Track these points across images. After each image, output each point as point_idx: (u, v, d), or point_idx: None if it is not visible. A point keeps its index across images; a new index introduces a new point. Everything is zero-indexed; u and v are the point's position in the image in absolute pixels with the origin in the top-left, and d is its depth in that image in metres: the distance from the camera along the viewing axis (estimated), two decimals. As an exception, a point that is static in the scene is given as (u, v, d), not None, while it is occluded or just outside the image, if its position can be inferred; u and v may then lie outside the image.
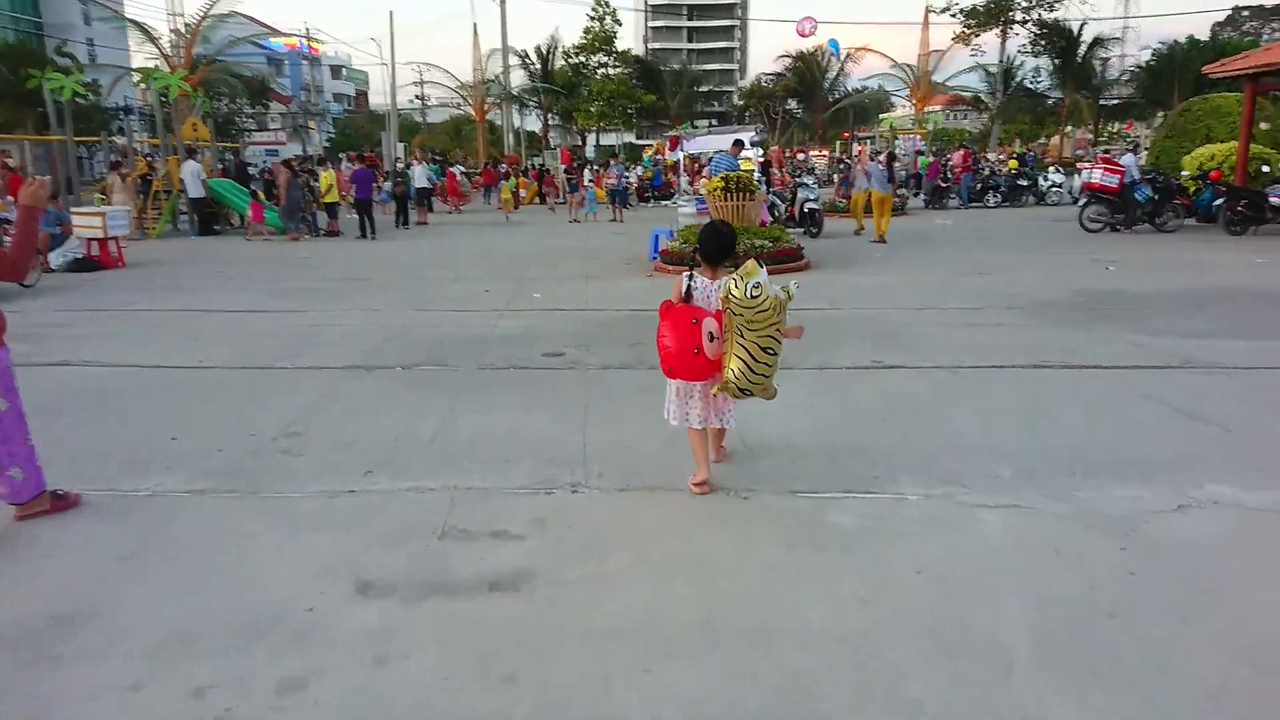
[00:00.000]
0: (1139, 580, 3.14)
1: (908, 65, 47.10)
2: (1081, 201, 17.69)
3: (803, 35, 35.04)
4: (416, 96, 70.37)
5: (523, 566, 3.32)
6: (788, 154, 38.37)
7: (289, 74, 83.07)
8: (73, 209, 13.63)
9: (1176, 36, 50.03)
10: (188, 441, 4.93)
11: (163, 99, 19.67)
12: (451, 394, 5.91)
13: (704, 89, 62.08)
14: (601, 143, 58.40)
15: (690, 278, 3.95)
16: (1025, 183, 26.03)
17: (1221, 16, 65.64)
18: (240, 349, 7.44)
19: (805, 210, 17.14)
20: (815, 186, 18.25)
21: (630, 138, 66.15)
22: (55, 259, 12.84)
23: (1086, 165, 27.74)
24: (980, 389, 5.89)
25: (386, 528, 3.70)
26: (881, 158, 17.47)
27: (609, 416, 5.34)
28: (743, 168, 14.10)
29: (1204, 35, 52.05)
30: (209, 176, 19.55)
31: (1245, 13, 67.42)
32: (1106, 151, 42.80)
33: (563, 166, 32.45)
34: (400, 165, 28.81)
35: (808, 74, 50.43)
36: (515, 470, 4.38)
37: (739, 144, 13.79)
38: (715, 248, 3.99)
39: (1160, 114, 55.68)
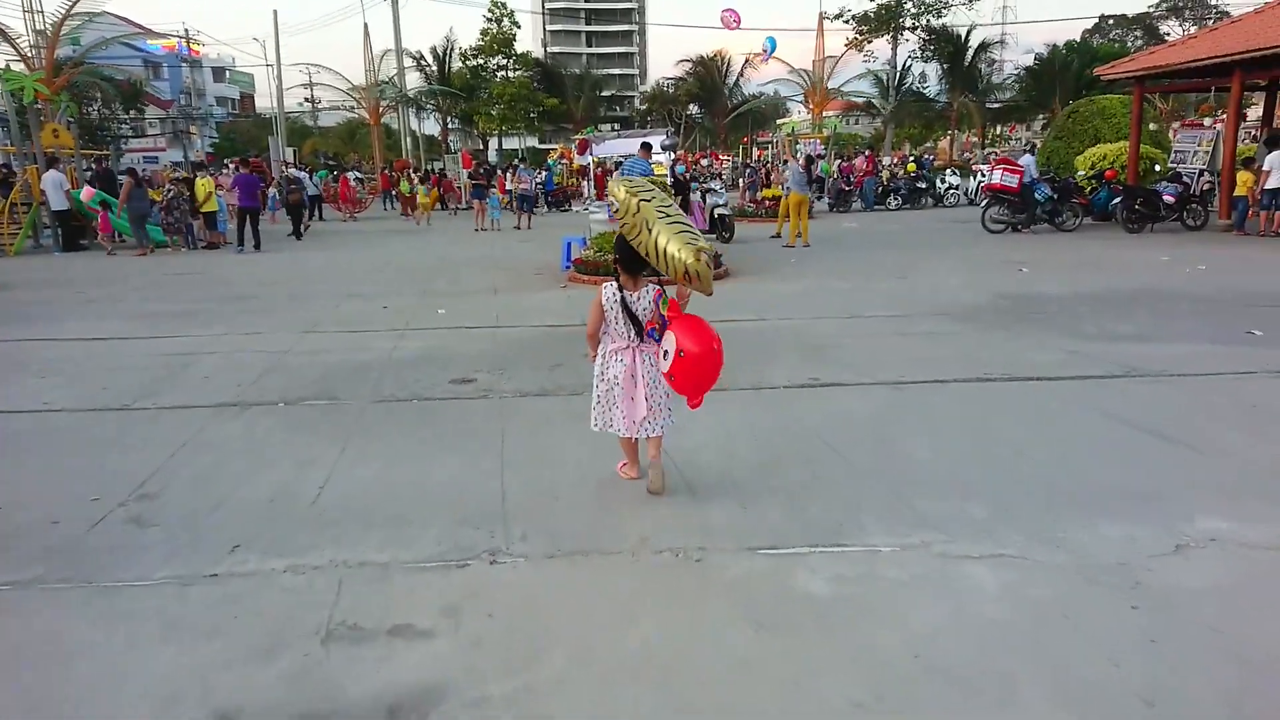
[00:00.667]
0: (1164, 652, 2.69)
1: (804, 70, 47.84)
2: (983, 202, 17.94)
3: (729, 28, 34.93)
4: (306, 99, 67.54)
5: (431, 679, 2.62)
6: (693, 159, 38.27)
7: (168, 77, 78.57)
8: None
9: (1053, 43, 52.49)
10: (16, 513, 4.02)
11: (21, 103, 17.81)
12: (342, 436, 5.11)
13: (606, 93, 61.76)
14: (504, 146, 57.23)
15: (619, 289, 3.88)
16: (924, 185, 26.52)
17: (1090, 24, 69.75)
18: (95, 387, 6.40)
19: (716, 216, 16.78)
20: (723, 191, 17.94)
21: (533, 142, 65.18)
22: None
23: (981, 167, 28.77)
24: (926, 407, 5.48)
25: (255, 630, 2.93)
26: (800, 161, 17.29)
27: (530, 456, 4.67)
28: (655, 172, 13.61)
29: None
30: (73, 187, 17.79)
31: (1110, 21, 71.84)
32: (992, 154, 44.55)
33: (465, 171, 31.37)
34: (289, 171, 27.23)
35: (708, 79, 50.70)
36: (420, 537, 3.66)
37: (647, 147, 13.28)
38: (636, 260, 3.78)
39: (1041, 116, 58.60)
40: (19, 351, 7.77)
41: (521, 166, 21.65)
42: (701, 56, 49.83)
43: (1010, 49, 55.63)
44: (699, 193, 16.91)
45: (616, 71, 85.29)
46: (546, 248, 16.13)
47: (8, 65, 21.43)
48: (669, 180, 13.52)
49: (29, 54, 27.08)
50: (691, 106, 54.12)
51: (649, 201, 3.70)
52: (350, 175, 35.00)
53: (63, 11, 26.84)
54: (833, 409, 5.47)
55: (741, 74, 49.35)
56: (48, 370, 6.96)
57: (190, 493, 4.24)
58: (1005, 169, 17.50)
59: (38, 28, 27.36)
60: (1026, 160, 17.87)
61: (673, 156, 13.87)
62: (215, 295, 10.99)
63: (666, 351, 3.73)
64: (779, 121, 60.08)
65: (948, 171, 28.61)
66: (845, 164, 29.98)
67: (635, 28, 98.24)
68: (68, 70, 28.51)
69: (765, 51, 45.36)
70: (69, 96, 23.79)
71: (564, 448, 4.76)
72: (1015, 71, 53.66)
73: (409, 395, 6.04)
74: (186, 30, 68.83)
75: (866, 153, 39.42)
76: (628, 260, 3.81)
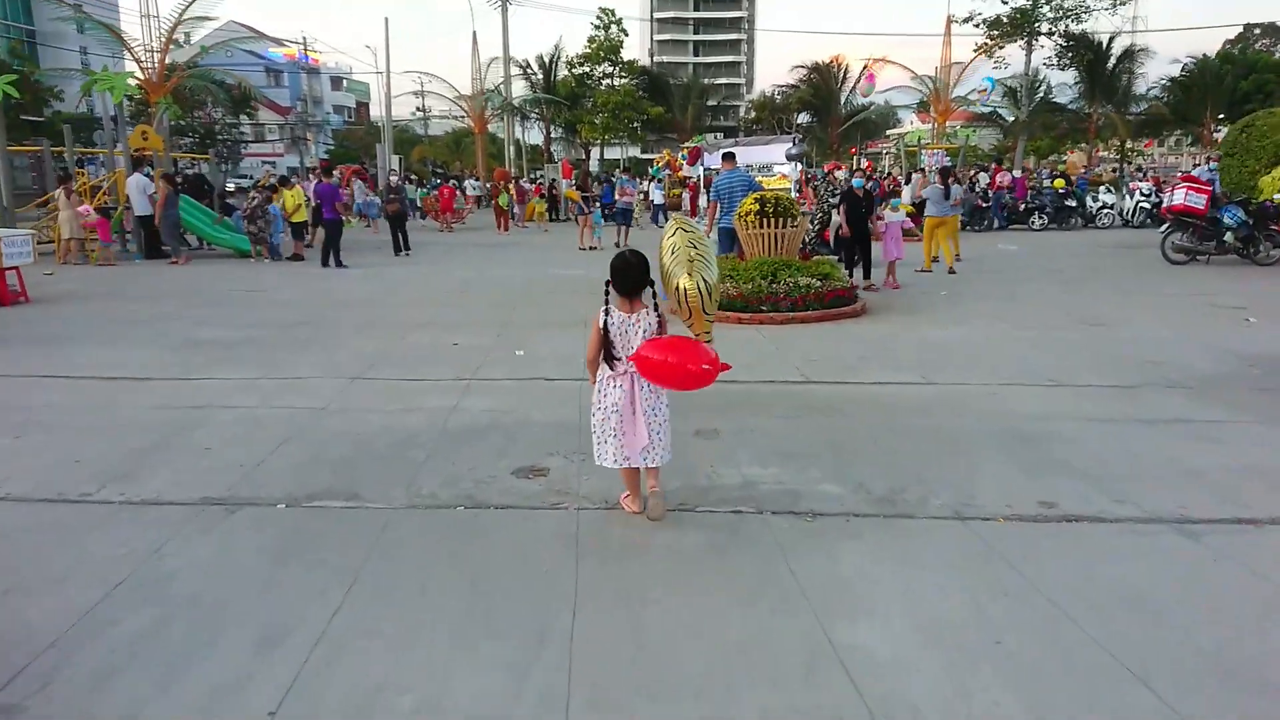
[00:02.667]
0: None
1: (928, 77, 44.77)
2: (1164, 228, 15.20)
3: (862, 95, 32.43)
4: (417, 108, 68.51)
5: None
6: (824, 170, 36.08)
7: (288, 84, 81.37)
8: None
9: (1200, 53, 47.80)
10: None
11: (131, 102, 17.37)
12: (346, 576, 3.42)
13: (712, 102, 59.94)
14: (606, 156, 56.12)
15: (606, 313, 3.75)
16: (1073, 204, 23.61)
17: (1233, 33, 63.84)
18: (64, 457, 4.95)
19: (841, 235, 14.66)
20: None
21: (635, 151, 63.98)
22: (-68, 294, 10.43)
23: (1141, 185, 25.52)
24: (1249, 574, 3.40)
25: None
26: (935, 176, 14.99)
27: (618, 654, 2.86)
28: (772, 186, 11.69)
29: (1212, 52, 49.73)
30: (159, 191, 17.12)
31: (1257, 30, 65.85)
32: (1139, 170, 40.47)
33: (565, 181, 30.04)
34: (395, 180, 26.35)
35: (823, 86, 48.18)
36: None
37: (729, 157, 11.31)
38: (629, 279, 3.74)
39: (1178, 132, 53.51)
40: (11, 391, 6.47)
41: (624, 177, 19.82)
42: (817, 63, 47.30)
43: (1153, 58, 50.81)
44: (822, 210, 14.82)
45: (723, 81, 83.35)
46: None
47: (105, 67, 21.14)
48: (796, 193, 11.50)
49: (143, 57, 27.34)
50: (803, 115, 51.61)
51: (688, 233, 3.94)
52: (469, 185, 34.15)
53: (175, 16, 26.99)
54: (1100, 574, 3.44)
55: (859, 81, 46.51)
56: (28, 423, 5.59)
57: (82, 702, 2.61)
58: (1190, 188, 14.78)
59: (155, 32, 27.64)
60: (1206, 176, 15.07)
61: (799, 167, 11.86)
62: (273, 320, 9.66)
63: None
64: (889, 132, 56.86)
65: (1101, 189, 25.49)
66: (1021, 177, 27.37)
67: (743, 36, 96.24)
68: (178, 74, 28.70)
69: (985, 91, 42.53)
70: (171, 100, 23.48)
71: (678, 637, 2.93)
72: (1161, 81, 49.10)
73: (455, 496, 4.32)
74: (305, 39, 70.99)
75: (993, 166, 36.26)
76: (621, 279, 3.72)
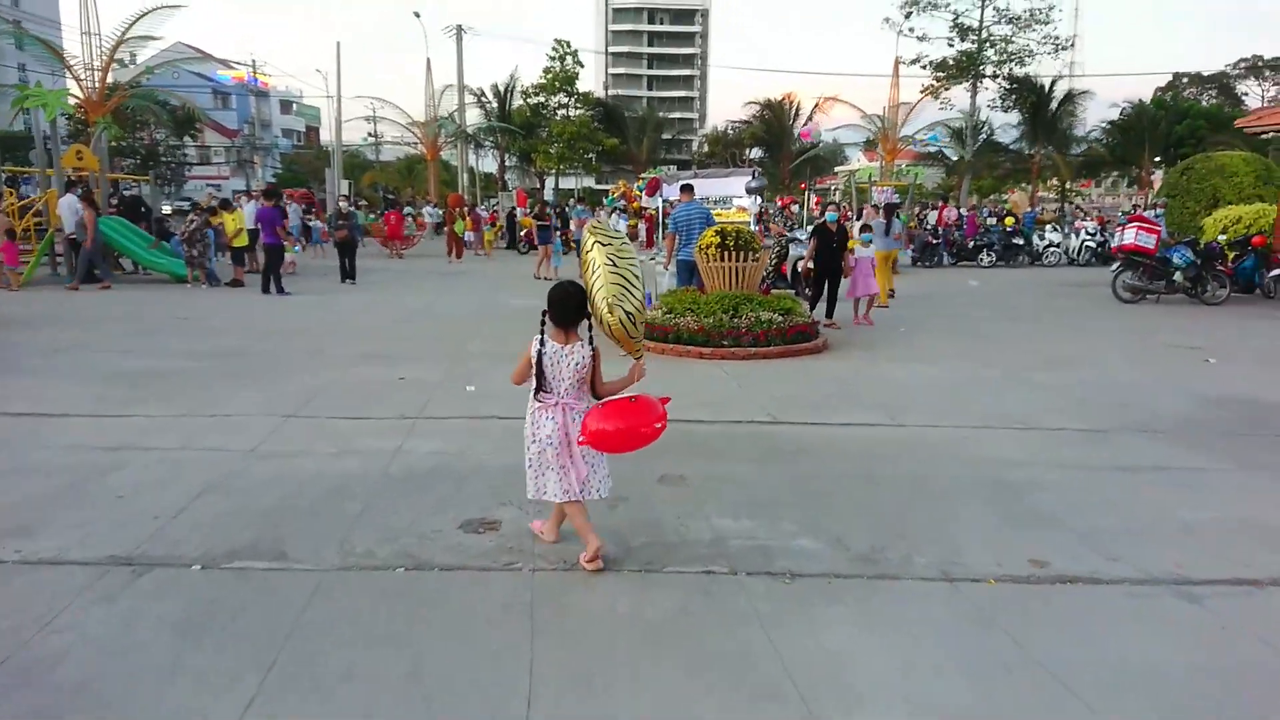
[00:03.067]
0: None
1: (876, 116, 45.63)
2: (1115, 267, 15.41)
3: (804, 137, 32.91)
4: (369, 134, 67.63)
5: None
6: (777, 203, 36.34)
7: (236, 107, 79.93)
8: None
9: (1135, 98, 49.87)
10: None
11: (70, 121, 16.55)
12: (262, 662, 2.96)
13: (667, 136, 60.40)
14: (560, 186, 56.01)
15: (541, 342, 3.65)
16: (1020, 241, 24.02)
17: (1163, 81, 66.89)
18: (-48, 506, 4.40)
19: (800, 271, 14.57)
20: (807, 242, 15.72)
21: (590, 182, 64.06)
22: None
23: (1085, 224, 26.11)
24: (1270, 646, 3.15)
25: None
26: (879, 212, 15.04)
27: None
28: (735, 218, 11.50)
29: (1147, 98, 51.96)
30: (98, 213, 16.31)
31: (1184, 79, 69.12)
32: (1079, 210, 41.67)
33: (520, 209, 29.66)
34: (344, 206, 25.55)
35: (775, 123, 48.87)
36: None
37: (688, 189, 11.07)
38: (565, 310, 3.64)
39: (1115, 174, 55.45)
40: (-95, 432, 5.85)
41: (580, 207, 19.48)
42: (769, 100, 47.99)
43: (1092, 99, 52.62)
44: (779, 244, 14.70)
45: (677, 115, 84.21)
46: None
47: (39, 83, 20.26)
48: (755, 226, 11.31)
49: (83, 75, 26.37)
50: (755, 150, 52.24)
51: (606, 246, 3.63)
52: (424, 211, 33.46)
53: (118, 34, 26.12)
54: (1102, 645, 3.15)
55: (810, 118, 47.27)
56: (-85, 469, 5.00)
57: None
58: (1141, 228, 15.04)
59: (96, 50, 26.70)
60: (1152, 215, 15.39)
61: (759, 201, 11.68)
62: (205, 350, 9.06)
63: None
64: (837, 169, 57.87)
65: (1048, 228, 26.03)
66: (970, 214, 27.82)
67: (696, 72, 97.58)
68: (120, 93, 27.74)
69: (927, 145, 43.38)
70: (110, 120, 22.60)
71: (639, 699, 2.55)
72: (1101, 124, 50.89)
73: (394, 555, 3.89)
74: (254, 62, 69.87)
75: (940, 203, 36.95)
76: (559, 310, 3.64)
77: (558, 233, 19.08)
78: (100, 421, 6.12)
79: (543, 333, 3.67)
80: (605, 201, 31.96)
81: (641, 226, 32.84)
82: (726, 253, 9.43)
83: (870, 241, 11.45)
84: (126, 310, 12.29)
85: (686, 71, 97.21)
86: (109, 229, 16.21)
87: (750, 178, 11.53)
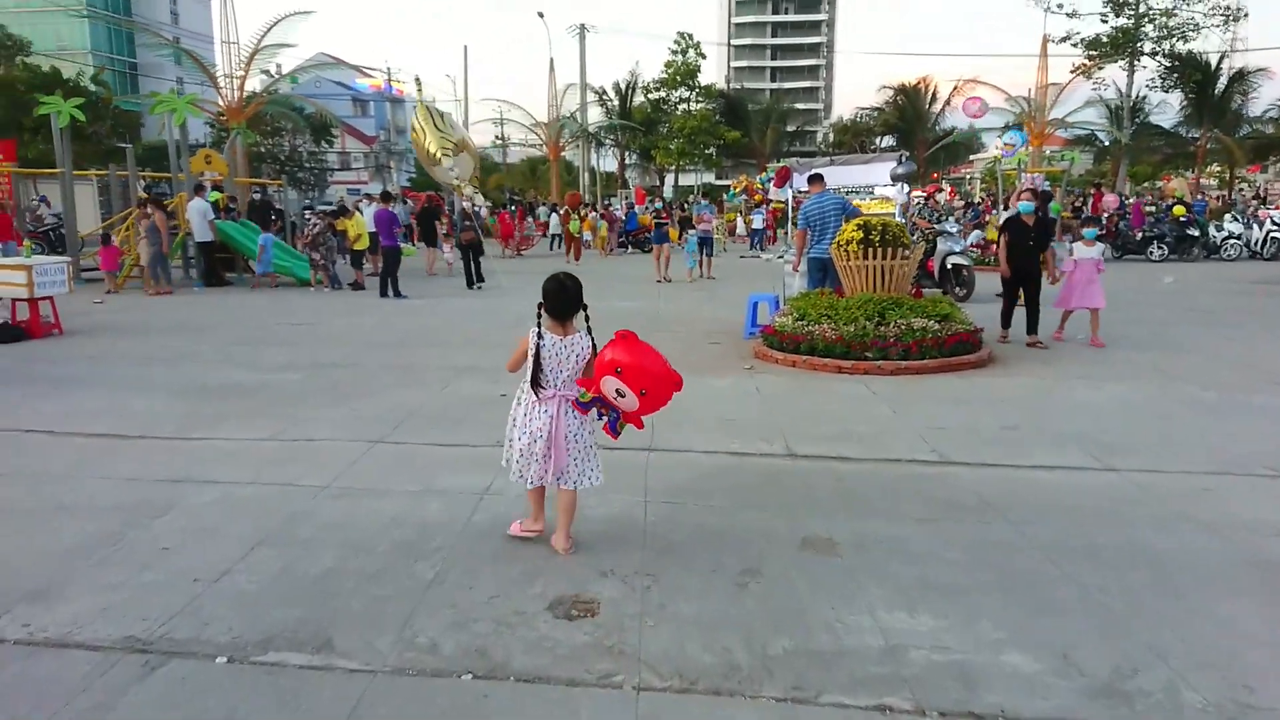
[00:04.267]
0: None
1: (1022, 98, 42.34)
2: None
3: (974, 117, 30.62)
4: (496, 137, 68.88)
5: None
6: (925, 193, 34.09)
7: (373, 114, 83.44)
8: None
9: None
10: None
11: (212, 129, 17.04)
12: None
13: (791, 127, 58.48)
14: (680, 183, 55.15)
15: (539, 335, 3.62)
16: (1195, 233, 21.30)
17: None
18: (-16, 554, 3.85)
19: (949, 267, 13.07)
20: (958, 235, 14.16)
21: (710, 177, 62.91)
22: (-38, 325, 9.76)
23: (1272, 213, 22.96)
24: None
25: None
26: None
27: None
28: (877, 210, 10.18)
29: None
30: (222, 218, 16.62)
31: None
32: (1255, 197, 37.23)
33: (639, 207, 28.91)
34: (469, 206, 25.24)
35: (909, 108, 46.29)
36: None
37: (818, 179, 9.69)
38: (562, 302, 3.63)
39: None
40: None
41: (703, 202, 18.35)
42: (904, 85, 45.48)
43: (1271, 79, 47.05)
44: (925, 238, 13.21)
45: (801, 106, 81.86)
46: (725, 301, 13.03)
47: (173, 90, 20.96)
48: (901, 218, 9.96)
49: (223, 84, 27.52)
50: (886, 138, 49.71)
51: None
52: (539, 212, 33.29)
53: (253, 44, 27.07)
54: None
55: (948, 102, 44.44)
56: (-33, 503, 4.53)
57: None
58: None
59: (236, 59, 27.82)
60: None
61: (905, 189, 10.33)
62: (306, 361, 8.60)
63: (619, 392, 3.41)
64: (973, 157, 54.38)
65: (1226, 218, 23.08)
66: (1093, 202, 25.19)
67: (822, 61, 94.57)
68: (257, 101, 28.82)
69: (1012, 146, 40.41)
70: (245, 125, 23.32)
71: None
72: (1275, 104, 45.50)
73: (463, 650, 3.00)
74: (389, 69, 72.48)
75: (1094, 190, 33.73)
76: (556, 302, 3.62)
77: (690, 231, 17.88)
78: (173, 446, 5.59)
79: (539, 325, 3.64)
80: (726, 197, 30.79)
81: (757, 220, 31.17)
82: (870, 249, 8.20)
83: (1096, 238, 9.53)
84: (239, 316, 12.17)
85: (811, 61, 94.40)
86: (235, 233, 16.47)
87: (896, 163, 10.17)
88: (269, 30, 26.76)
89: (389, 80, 73.08)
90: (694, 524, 4.17)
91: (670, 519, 4.24)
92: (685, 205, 27.94)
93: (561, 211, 26.63)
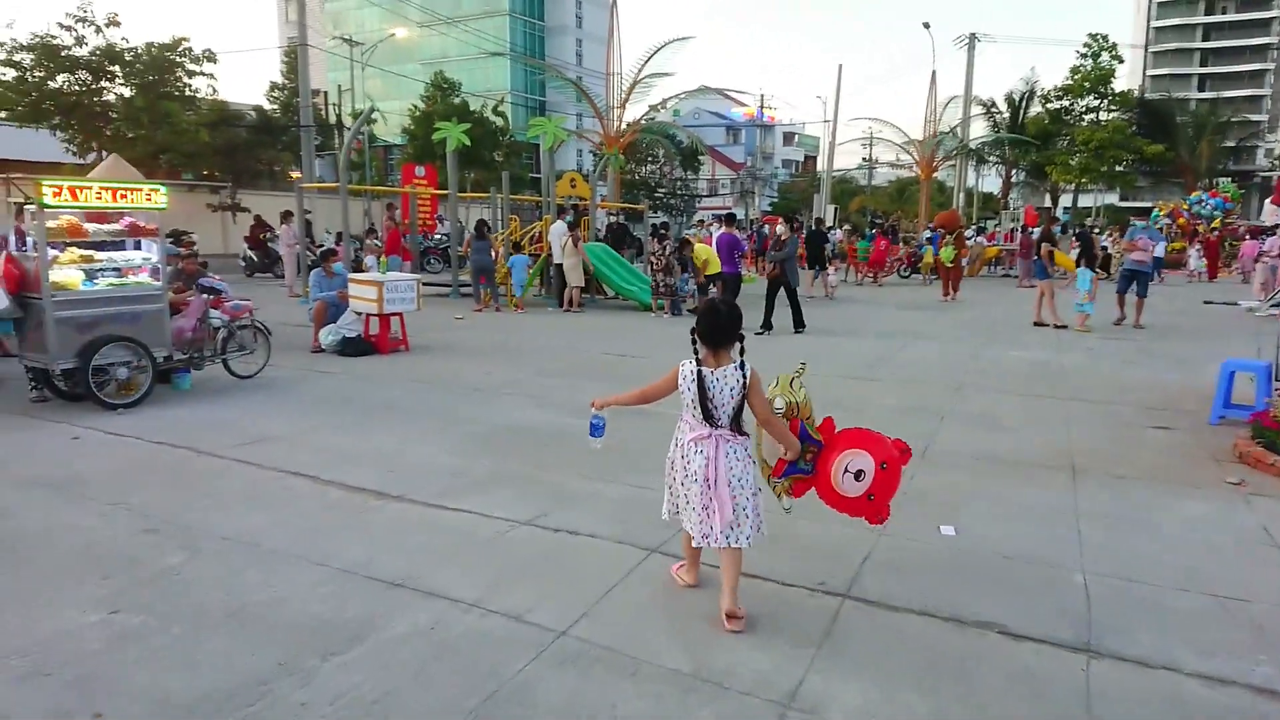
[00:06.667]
0: None
1: None
2: None
3: None
4: (864, 159, 66.35)
5: None
6: None
7: (744, 141, 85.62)
8: (352, 276, 10.95)
9: None
10: None
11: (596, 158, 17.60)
12: None
13: (1229, 143, 48.16)
14: (1078, 204, 47.98)
15: (698, 365, 3.28)
16: None
17: None
18: (93, 695, 2.87)
19: None
20: None
21: (1113, 198, 54.17)
22: (325, 336, 10.16)
23: None
24: None
25: None
26: None
27: None
28: None
29: None
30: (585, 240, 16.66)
31: None
32: None
33: (1030, 229, 24.66)
34: (781, 229, 23.12)
35: None
36: None
37: None
38: (719, 331, 3.29)
39: None
40: (236, 500, 4.81)
41: (1140, 224, 14.11)
42: None
43: None
44: None
45: (1235, 119, 67.66)
46: (1166, 358, 9.71)
47: (550, 118, 21.84)
48: None
49: (604, 114, 28.96)
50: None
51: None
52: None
53: (634, 75, 28.13)
54: None
55: None
56: (165, 582, 3.72)
57: None
58: None
59: (616, 90, 29.19)
60: None
61: None
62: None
63: (861, 471, 3.30)
64: None
65: None
66: None
67: (1271, 65, 77.35)
68: (632, 128, 29.89)
69: None
70: (618, 152, 23.98)
71: None
72: None
73: None
74: (762, 96, 73.45)
75: None
76: (709, 330, 3.29)
77: (1080, 264, 14.23)
78: (424, 517, 4.50)
79: (697, 354, 3.29)
80: (1150, 217, 25.30)
81: (1192, 253, 25.49)
82: None
83: None
84: (563, 343, 11.40)
85: (1254, 66, 77.76)
86: (591, 255, 16.37)
87: None
88: (650, 58, 27.59)
89: (761, 107, 74.11)
90: None
91: None
92: (1082, 229, 23.12)
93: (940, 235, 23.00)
